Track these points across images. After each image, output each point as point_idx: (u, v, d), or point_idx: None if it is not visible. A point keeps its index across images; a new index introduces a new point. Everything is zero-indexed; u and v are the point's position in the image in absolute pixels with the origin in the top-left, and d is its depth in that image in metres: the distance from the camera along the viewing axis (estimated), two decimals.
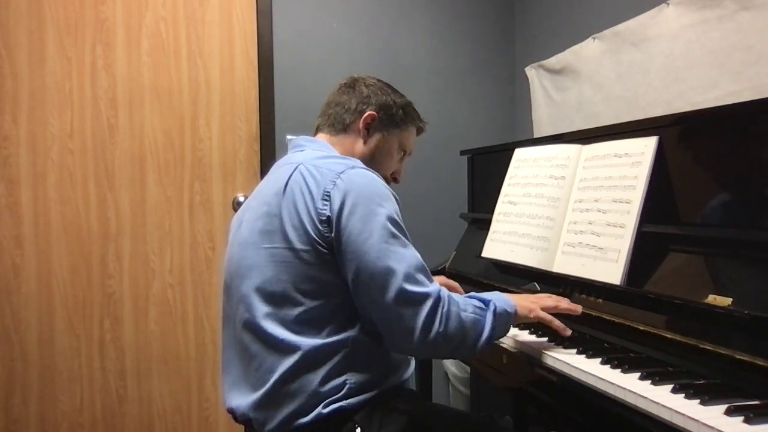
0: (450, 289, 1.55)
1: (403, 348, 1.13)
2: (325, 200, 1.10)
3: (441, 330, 1.07)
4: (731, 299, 1.01)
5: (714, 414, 0.85)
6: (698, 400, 0.89)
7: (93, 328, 2.19)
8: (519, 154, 1.76)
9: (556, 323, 1.21)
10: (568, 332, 1.20)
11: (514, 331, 1.31)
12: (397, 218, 1.12)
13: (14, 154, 2.10)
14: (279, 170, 1.22)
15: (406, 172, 1.42)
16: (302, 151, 1.26)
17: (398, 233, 1.10)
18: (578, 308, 1.26)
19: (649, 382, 0.98)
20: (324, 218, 1.09)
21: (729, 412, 0.85)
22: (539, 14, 2.57)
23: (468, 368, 2.38)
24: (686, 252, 1.16)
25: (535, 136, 2.47)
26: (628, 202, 1.27)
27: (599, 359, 1.11)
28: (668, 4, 1.79)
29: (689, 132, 1.25)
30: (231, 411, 1.20)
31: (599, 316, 1.28)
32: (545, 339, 1.28)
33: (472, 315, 1.11)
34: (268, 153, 2.34)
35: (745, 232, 1.08)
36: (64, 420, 2.16)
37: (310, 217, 1.10)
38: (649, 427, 0.92)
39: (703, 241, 1.14)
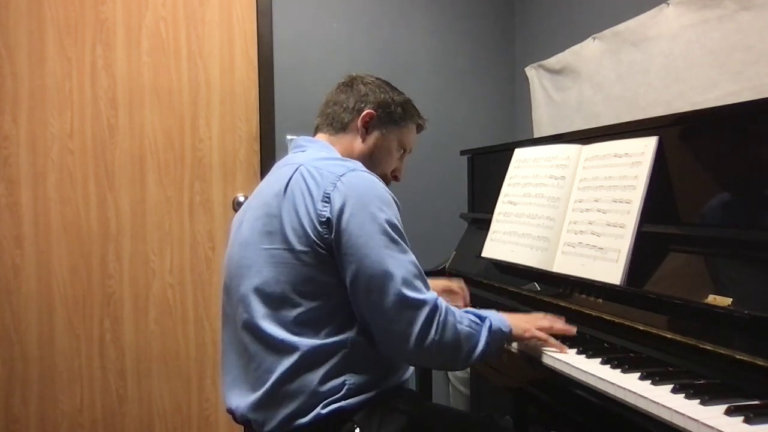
0: (453, 290, 1.56)
1: (396, 353, 1.12)
2: (326, 202, 1.09)
3: (436, 338, 1.06)
4: (731, 299, 1.01)
5: (714, 414, 0.85)
6: (698, 400, 0.89)
7: (93, 327, 2.19)
8: (519, 154, 1.76)
9: (552, 341, 1.20)
10: (566, 350, 1.19)
11: None
12: (397, 223, 1.12)
13: (14, 154, 2.10)
14: (280, 171, 1.22)
15: (405, 171, 1.41)
16: (303, 151, 1.26)
17: (398, 238, 1.10)
18: (573, 329, 1.24)
19: (649, 382, 0.98)
20: (324, 220, 1.09)
21: (729, 412, 0.85)
22: (539, 14, 2.57)
23: (468, 368, 2.38)
24: (686, 252, 1.16)
25: (535, 136, 2.47)
26: (628, 202, 1.27)
27: (599, 359, 1.11)
28: (668, 4, 1.79)
29: (689, 132, 1.25)
30: (231, 412, 1.19)
31: (599, 316, 1.28)
32: None
33: (468, 328, 1.11)
34: (268, 153, 2.33)
35: (745, 232, 1.08)
36: (64, 420, 2.16)
37: (309, 218, 1.09)
38: (649, 427, 0.92)
39: (703, 241, 1.14)
